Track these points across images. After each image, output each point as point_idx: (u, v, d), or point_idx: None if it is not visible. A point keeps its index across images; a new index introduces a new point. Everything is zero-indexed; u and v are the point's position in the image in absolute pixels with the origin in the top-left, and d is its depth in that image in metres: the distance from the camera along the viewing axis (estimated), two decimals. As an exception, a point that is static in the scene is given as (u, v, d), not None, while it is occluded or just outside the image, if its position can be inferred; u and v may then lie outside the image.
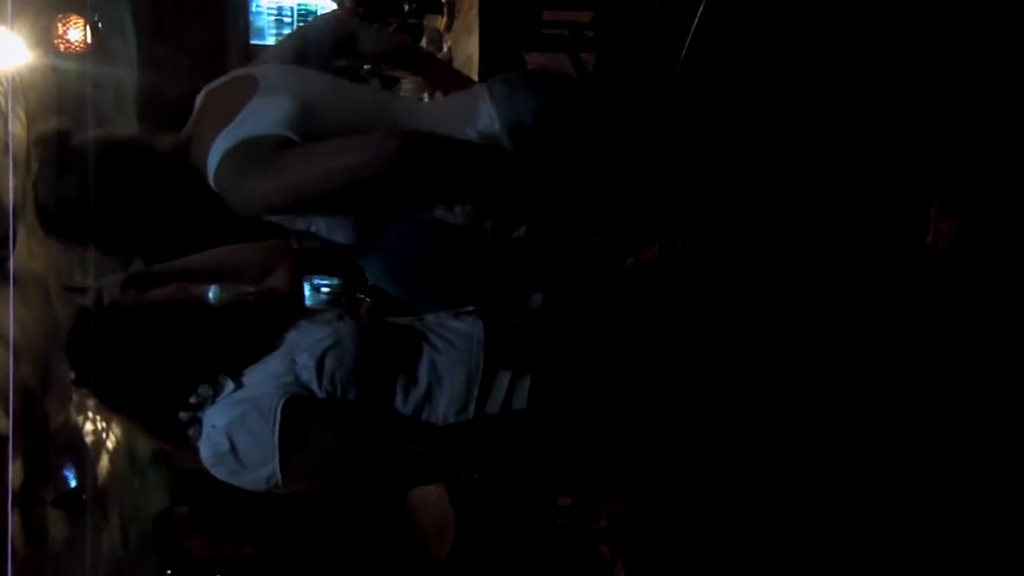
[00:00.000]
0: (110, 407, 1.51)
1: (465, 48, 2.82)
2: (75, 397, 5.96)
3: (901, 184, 1.84)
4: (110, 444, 6.88)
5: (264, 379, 1.40)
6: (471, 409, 1.43)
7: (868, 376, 1.92)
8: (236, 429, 1.35)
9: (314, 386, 1.39)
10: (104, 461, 6.71)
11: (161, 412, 1.45)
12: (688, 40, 1.92)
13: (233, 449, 1.35)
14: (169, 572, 7.66)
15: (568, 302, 1.60)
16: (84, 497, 5.59)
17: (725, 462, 2.56)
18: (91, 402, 1.57)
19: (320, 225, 1.60)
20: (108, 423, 6.61)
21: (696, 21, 1.90)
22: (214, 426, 1.37)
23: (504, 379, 1.44)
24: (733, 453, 2.49)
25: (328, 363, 1.40)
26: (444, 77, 2.04)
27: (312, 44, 1.73)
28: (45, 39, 4.01)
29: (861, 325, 1.90)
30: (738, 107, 1.88)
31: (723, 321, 1.75)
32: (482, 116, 1.61)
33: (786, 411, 1.99)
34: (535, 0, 2.85)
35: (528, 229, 1.63)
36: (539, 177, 1.57)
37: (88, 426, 6.40)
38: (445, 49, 3.36)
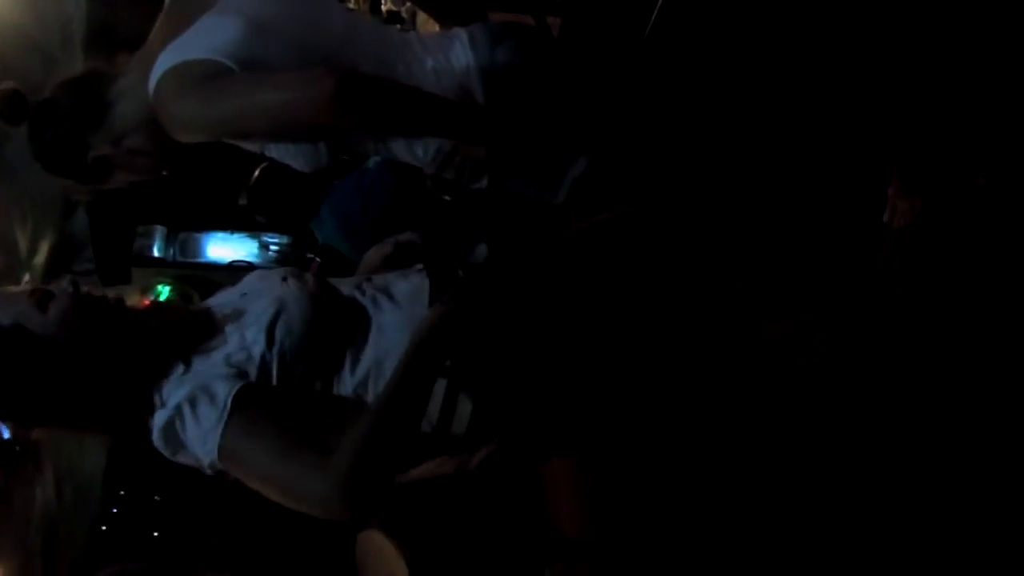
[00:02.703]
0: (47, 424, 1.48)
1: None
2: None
3: (860, 162, 1.84)
4: (46, 397, 6.74)
5: (216, 359, 1.39)
6: None
7: (816, 352, 1.94)
8: (184, 408, 1.34)
9: (267, 358, 1.38)
10: (40, 413, 6.57)
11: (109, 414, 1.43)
12: (657, 7, 1.90)
13: (181, 425, 1.35)
14: (104, 528, 7.54)
15: (512, 255, 1.61)
16: (18, 450, 5.47)
17: (670, 429, 2.58)
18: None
19: (271, 150, 1.55)
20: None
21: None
22: (164, 406, 1.36)
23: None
24: (680, 422, 2.50)
25: (277, 332, 1.39)
26: (437, 9, 1.98)
27: None
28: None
29: (812, 301, 1.91)
30: (702, 79, 1.86)
31: (672, 292, 1.75)
32: (455, 50, 1.57)
33: (735, 385, 2.01)
34: (503, -41, 2.81)
35: (490, 181, 1.60)
36: (506, 127, 1.53)
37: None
38: (409, 3, 3.29)
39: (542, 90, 1.58)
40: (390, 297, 1.51)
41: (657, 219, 1.85)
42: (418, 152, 1.57)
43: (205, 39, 1.44)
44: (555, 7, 2.68)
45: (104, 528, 8.89)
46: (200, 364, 1.39)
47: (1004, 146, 1.63)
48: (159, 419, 1.35)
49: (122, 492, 8.93)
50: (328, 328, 1.44)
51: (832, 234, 1.87)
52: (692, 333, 1.74)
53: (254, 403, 1.33)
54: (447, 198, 2.00)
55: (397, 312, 1.48)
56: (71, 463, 7.05)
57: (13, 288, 1.44)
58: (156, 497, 9.16)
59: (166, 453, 1.38)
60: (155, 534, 9.17)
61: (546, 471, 4.10)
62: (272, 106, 1.40)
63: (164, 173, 1.66)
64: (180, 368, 1.38)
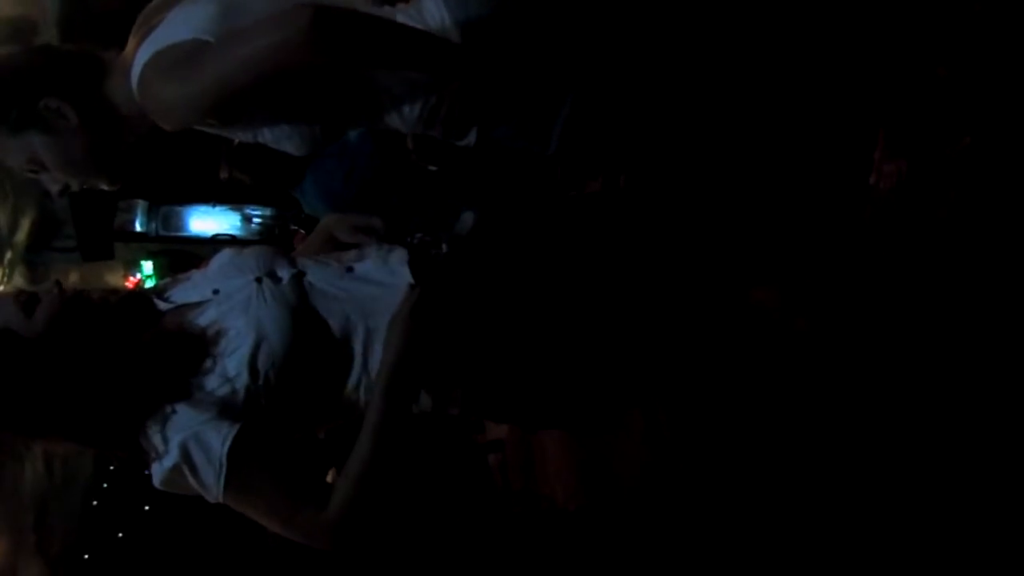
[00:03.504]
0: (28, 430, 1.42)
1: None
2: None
3: (845, 124, 1.84)
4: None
5: (202, 396, 1.38)
6: None
7: (803, 317, 1.94)
8: (184, 468, 1.34)
9: (253, 389, 1.38)
10: (26, 390, 6.55)
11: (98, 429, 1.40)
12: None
13: (184, 484, 1.36)
14: (95, 503, 7.55)
15: (499, 226, 1.61)
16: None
17: (657, 396, 2.60)
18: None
19: (266, 135, 1.53)
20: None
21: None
22: (160, 463, 1.35)
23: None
24: (667, 389, 2.52)
25: (260, 365, 1.39)
26: None
27: None
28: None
29: (799, 265, 1.92)
30: (687, 24, 1.84)
31: (657, 264, 1.75)
32: (427, 7, 1.54)
33: (723, 350, 2.01)
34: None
35: (478, 132, 1.58)
36: (488, 72, 1.51)
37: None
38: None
39: (522, 29, 1.55)
40: (372, 281, 1.50)
41: (645, 192, 1.84)
42: (405, 110, 1.55)
43: (180, 25, 1.42)
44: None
45: (95, 503, 8.92)
46: (187, 401, 1.37)
47: (988, 104, 1.63)
48: (159, 470, 1.36)
49: (112, 467, 8.96)
50: (312, 340, 1.43)
51: (818, 197, 1.86)
52: (681, 303, 1.74)
53: (248, 454, 1.34)
54: (432, 168, 1.98)
55: (382, 297, 1.47)
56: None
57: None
58: (147, 471, 9.14)
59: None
60: (147, 508, 9.20)
61: (536, 439, 4.14)
62: (252, 53, 1.34)
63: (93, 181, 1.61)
64: (169, 403, 1.37)
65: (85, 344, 1.35)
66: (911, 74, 1.74)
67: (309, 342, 1.43)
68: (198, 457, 1.33)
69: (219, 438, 1.33)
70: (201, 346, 1.41)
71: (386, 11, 1.61)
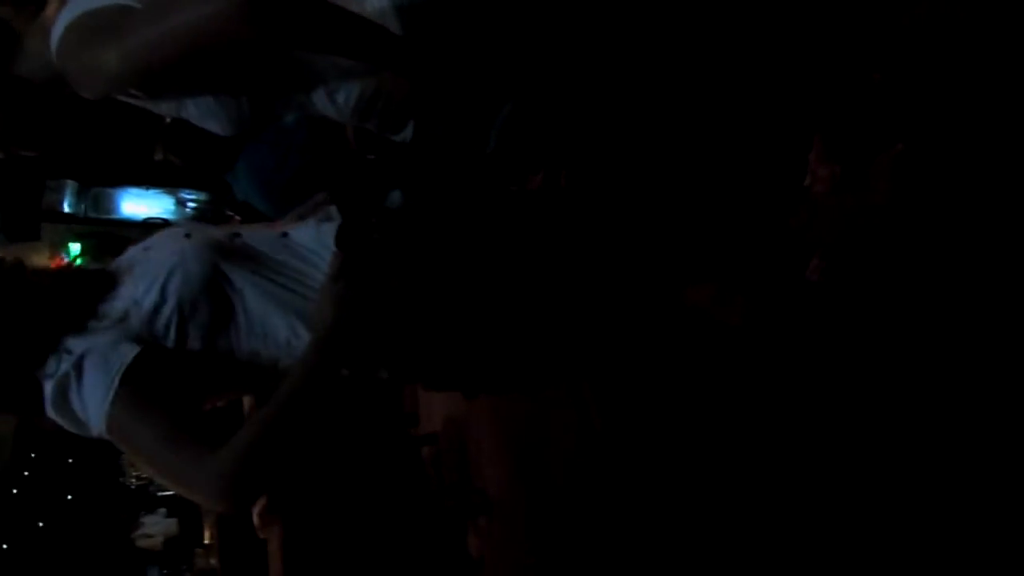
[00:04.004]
0: None
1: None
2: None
3: (781, 127, 1.86)
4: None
5: (108, 313, 1.35)
6: None
7: (735, 316, 1.96)
8: (72, 379, 1.30)
9: (161, 310, 1.35)
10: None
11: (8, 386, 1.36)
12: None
13: (64, 400, 1.31)
14: (15, 491, 7.33)
15: (429, 203, 1.60)
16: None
17: (592, 387, 2.61)
18: None
19: (190, 110, 1.48)
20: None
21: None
22: (51, 376, 1.31)
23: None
24: (601, 380, 2.53)
25: (171, 286, 1.36)
26: None
27: None
28: None
29: (731, 265, 1.93)
30: (625, 25, 1.84)
31: (592, 257, 1.75)
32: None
33: (648, 347, 2.03)
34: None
35: (415, 130, 1.56)
36: (427, 63, 1.49)
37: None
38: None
39: (461, 24, 1.53)
40: (299, 247, 1.50)
41: (584, 190, 1.84)
42: (339, 99, 1.51)
43: None
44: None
45: (15, 491, 8.65)
46: (93, 322, 1.34)
47: (922, 111, 1.66)
48: (49, 386, 1.31)
49: (33, 454, 8.71)
50: (227, 274, 1.41)
51: (752, 199, 1.88)
52: (611, 288, 1.75)
53: (144, 376, 1.29)
54: (370, 157, 1.95)
55: (317, 274, 1.46)
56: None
57: None
58: (69, 460, 8.95)
59: (59, 420, 1.34)
60: (68, 497, 8.95)
61: (468, 429, 4.13)
62: (184, 22, 1.28)
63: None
64: (74, 328, 1.33)
65: None
66: (847, 79, 1.77)
67: (227, 287, 1.41)
68: (90, 373, 1.29)
69: (117, 356, 1.29)
70: (108, 279, 1.39)
71: None
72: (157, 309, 1.35)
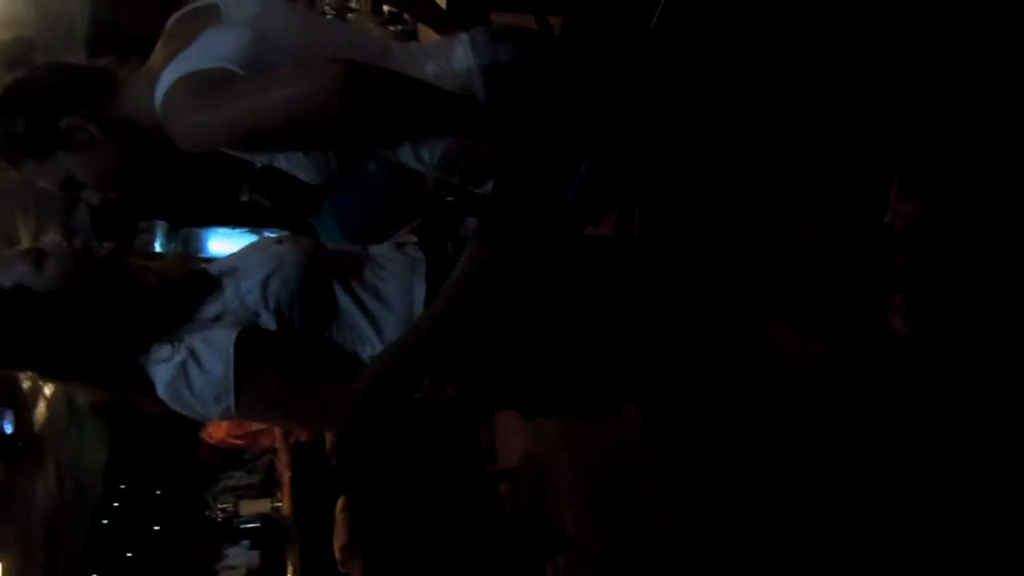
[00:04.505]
0: (54, 375, 1.50)
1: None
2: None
3: (862, 164, 1.85)
4: (47, 391, 6.76)
5: (211, 311, 1.43)
6: None
7: (816, 354, 1.94)
8: (189, 366, 1.37)
9: (260, 309, 1.42)
10: (41, 408, 6.60)
11: (114, 368, 1.44)
12: (660, 6, 1.90)
13: (188, 386, 1.38)
14: (105, 522, 7.56)
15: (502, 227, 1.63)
16: (20, 444, 5.49)
17: (672, 426, 2.59)
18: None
19: (281, 161, 1.55)
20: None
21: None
22: (167, 362, 1.39)
23: None
24: (681, 420, 2.51)
25: (272, 284, 1.43)
26: (434, 17, 1.97)
27: None
28: (-7, -31, 3.86)
29: (814, 303, 1.91)
30: (704, 79, 1.86)
31: (666, 295, 1.76)
32: (456, 53, 1.57)
33: (730, 388, 2.01)
34: (505, -42, 2.80)
35: (496, 184, 1.60)
36: (509, 128, 1.53)
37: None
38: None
39: (545, 88, 1.58)
40: (386, 266, 1.55)
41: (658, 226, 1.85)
42: (424, 156, 1.57)
43: (212, 49, 1.44)
44: (557, 6, 2.68)
45: (105, 522, 8.93)
46: (197, 317, 1.43)
47: (1004, 149, 1.63)
48: (165, 373, 1.39)
49: (123, 486, 8.99)
50: (324, 280, 1.48)
51: (832, 236, 1.87)
52: (694, 333, 1.75)
53: (257, 345, 1.39)
54: (449, 199, 2.00)
55: (394, 279, 1.53)
56: (72, 457, 7.06)
57: (6, 252, 1.46)
58: (157, 492, 9.20)
59: (174, 407, 1.42)
60: (155, 528, 9.20)
61: (546, 467, 4.12)
62: (282, 99, 1.38)
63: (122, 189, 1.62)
64: (179, 323, 1.42)
65: (95, 294, 1.40)
66: (927, 115, 1.75)
67: (321, 277, 1.48)
68: (204, 354, 1.38)
69: (225, 335, 1.38)
70: (210, 281, 1.48)
71: (413, 48, 1.65)
72: (258, 306, 1.43)
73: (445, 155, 1.56)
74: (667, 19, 1.90)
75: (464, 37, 1.60)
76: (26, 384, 6.06)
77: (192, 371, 1.37)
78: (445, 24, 1.86)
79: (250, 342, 1.38)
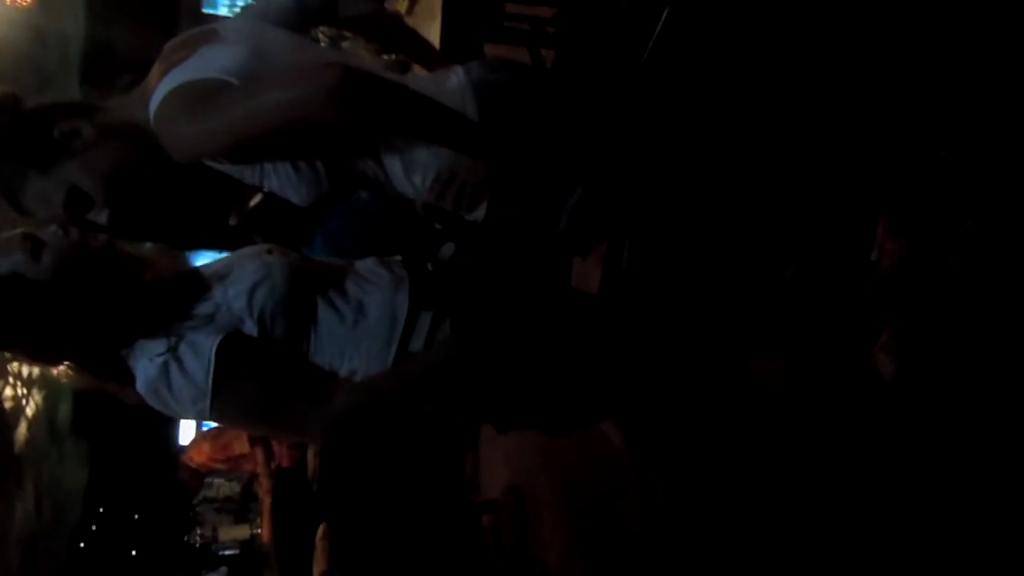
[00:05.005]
0: (42, 358, 1.52)
1: (426, 33, 2.79)
2: (-5, 362, 5.79)
3: (848, 201, 1.86)
4: (29, 412, 6.70)
5: (197, 313, 1.44)
6: (393, 347, 1.51)
7: (800, 389, 1.95)
8: (171, 366, 1.39)
9: (245, 316, 1.43)
10: (22, 429, 6.53)
11: (100, 356, 1.47)
12: (651, 41, 1.92)
13: (168, 385, 1.40)
14: (82, 545, 7.42)
15: (474, 254, 1.71)
16: (-1, 464, 5.41)
17: (655, 458, 2.59)
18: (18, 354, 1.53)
19: (272, 181, 1.55)
20: (29, 389, 6.43)
21: (661, 24, 1.90)
22: (150, 360, 1.41)
23: (425, 320, 1.52)
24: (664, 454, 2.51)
25: (259, 292, 1.44)
26: (428, 57, 1.99)
27: (300, 3, 1.67)
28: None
29: (799, 338, 1.92)
30: (695, 114, 1.88)
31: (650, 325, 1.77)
32: (450, 79, 1.58)
33: (713, 420, 2.01)
34: (499, -8, 2.84)
35: (488, 208, 1.61)
36: (501, 152, 1.54)
37: (7, 391, 6.22)
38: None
39: (536, 113, 1.60)
40: (370, 280, 1.57)
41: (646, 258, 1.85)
42: (416, 180, 1.58)
43: (207, 62, 1.45)
44: (548, 40, 2.71)
45: (82, 545, 8.80)
46: (184, 320, 1.43)
47: (992, 189, 1.65)
48: (147, 373, 1.41)
49: (102, 509, 8.87)
50: (309, 293, 1.50)
51: (818, 273, 1.88)
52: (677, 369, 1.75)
53: (238, 352, 1.41)
54: (437, 227, 2.00)
55: (378, 293, 1.54)
56: (52, 479, 6.97)
57: (5, 235, 1.46)
58: (136, 516, 9.09)
59: (153, 404, 1.44)
60: (133, 553, 9.06)
61: (529, 498, 4.11)
62: (278, 103, 1.39)
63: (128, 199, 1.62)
64: (166, 324, 1.43)
65: (88, 285, 1.41)
66: (914, 154, 1.77)
67: (307, 289, 1.49)
68: (187, 356, 1.39)
69: (208, 340, 1.39)
70: (201, 283, 1.49)
71: (408, 77, 1.66)
72: (243, 313, 1.44)
73: (437, 179, 1.57)
74: (659, 53, 1.93)
75: (458, 67, 1.62)
76: (8, 404, 6.00)
77: (173, 371, 1.40)
78: (437, 63, 1.88)
79: (232, 348, 1.40)
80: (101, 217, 1.55)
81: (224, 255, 1.69)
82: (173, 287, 1.50)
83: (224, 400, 1.40)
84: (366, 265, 1.62)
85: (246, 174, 1.55)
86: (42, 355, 1.50)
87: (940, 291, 1.67)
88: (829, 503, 1.91)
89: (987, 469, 1.64)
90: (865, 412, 1.81)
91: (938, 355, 1.69)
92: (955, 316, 1.66)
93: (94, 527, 8.87)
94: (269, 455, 5.46)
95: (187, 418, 1.50)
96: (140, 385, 1.43)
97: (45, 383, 6.72)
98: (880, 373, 1.71)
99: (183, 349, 1.40)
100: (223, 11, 8.43)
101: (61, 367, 1.51)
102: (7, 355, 1.52)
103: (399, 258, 1.63)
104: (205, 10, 8.26)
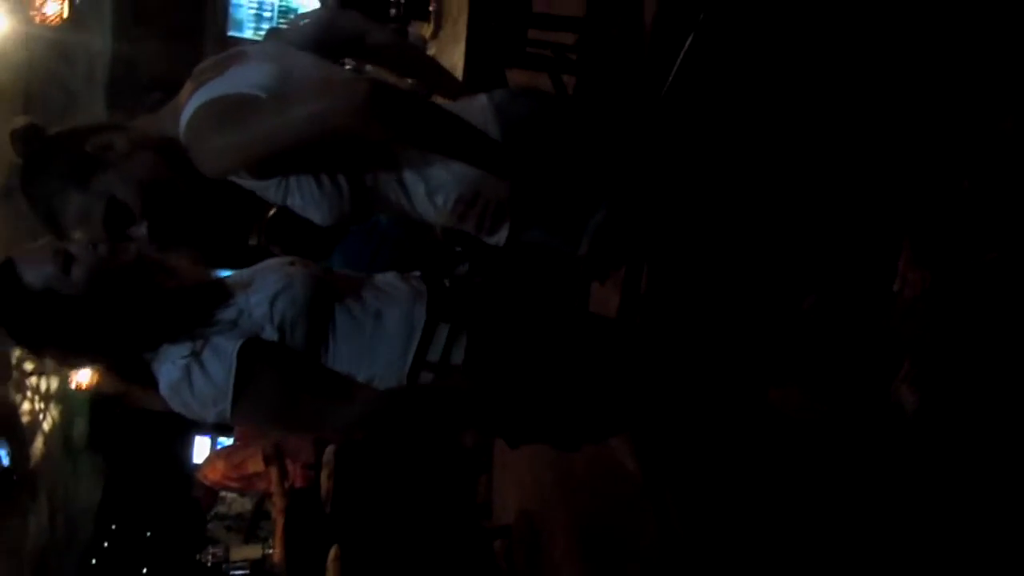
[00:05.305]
0: (71, 361, 1.61)
1: (450, 57, 2.82)
2: (14, 375, 5.83)
3: (871, 231, 1.86)
4: (46, 427, 6.74)
5: (221, 319, 1.48)
6: (409, 357, 1.54)
7: (819, 418, 1.93)
8: (193, 368, 1.44)
9: (265, 323, 1.47)
10: (38, 443, 6.57)
11: (126, 360, 1.53)
12: (675, 69, 1.93)
13: (189, 386, 1.45)
14: (93, 561, 7.41)
15: (490, 274, 1.75)
16: (15, 478, 5.45)
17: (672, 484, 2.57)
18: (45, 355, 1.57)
19: (296, 199, 1.56)
20: (47, 404, 6.47)
21: (685, 50, 1.91)
22: (172, 363, 1.46)
23: (443, 333, 1.55)
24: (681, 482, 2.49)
25: (280, 302, 1.48)
26: (450, 87, 2.01)
27: (328, 32, 1.69)
28: (20, 9, 3.95)
29: (818, 368, 1.91)
30: (717, 141, 1.89)
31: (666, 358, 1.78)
32: (473, 103, 1.59)
33: (728, 446, 2.00)
34: (522, 18, 2.86)
35: (510, 230, 1.62)
36: (524, 172, 1.55)
37: (25, 406, 6.26)
38: (428, 57, 3.34)
39: (558, 136, 1.62)
40: (389, 293, 1.60)
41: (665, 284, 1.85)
42: (438, 201, 1.59)
43: (237, 79, 1.47)
44: (570, 66, 2.73)
45: (94, 561, 8.82)
46: (207, 325, 1.48)
47: (1016, 221, 1.64)
48: (169, 375, 1.46)
49: (114, 526, 8.90)
50: (328, 303, 1.53)
51: (840, 303, 1.87)
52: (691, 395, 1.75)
53: (258, 355, 1.45)
54: (457, 249, 2.01)
55: (396, 306, 1.57)
56: (66, 495, 7.00)
57: (34, 246, 1.50)
58: (148, 533, 9.10)
59: (174, 406, 1.50)
60: (143, 571, 9.07)
61: (543, 523, 4.08)
62: (308, 115, 1.41)
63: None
64: (190, 329, 1.47)
65: (117, 297, 1.45)
66: (937, 185, 1.76)
67: (327, 300, 1.53)
68: (209, 360, 1.44)
69: (230, 344, 1.44)
70: (224, 291, 1.53)
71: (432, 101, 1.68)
72: (263, 320, 1.48)
73: (460, 200, 1.58)
74: (682, 79, 1.94)
75: (483, 97, 1.64)
76: (25, 418, 6.04)
77: (195, 373, 1.44)
78: (460, 95, 1.90)
79: (253, 352, 1.45)
80: (141, 230, 1.56)
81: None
82: (197, 294, 1.52)
83: (245, 402, 1.45)
84: (385, 278, 1.64)
85: (270, 191, 1.57)
86: (71, 358, 1.56)
87: (963, 322, 1.65)
88: (847, 534, 1.89)
89: (1010, 503, 1.62)
90: (885, 443, 1.79)
91: (960, 387, 1.67)
92: (978, 348, 1.64)
93: (106, 543, 8.89)
94: (283, 474, 5.46)
95: (207, 419, 1.52)
96: (163, 387, 1.48)
97: (63, 398, 6.76)
98: (901, 404, 1.69)
99: (206, 353, 1.45)
100: (248, 34, 8.54)
101: (88, 370, 1.56)
102: (29, 366, 1.56)
103: (417, 273, 1.66)
104: (230, 33, 8.37)
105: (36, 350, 1.51)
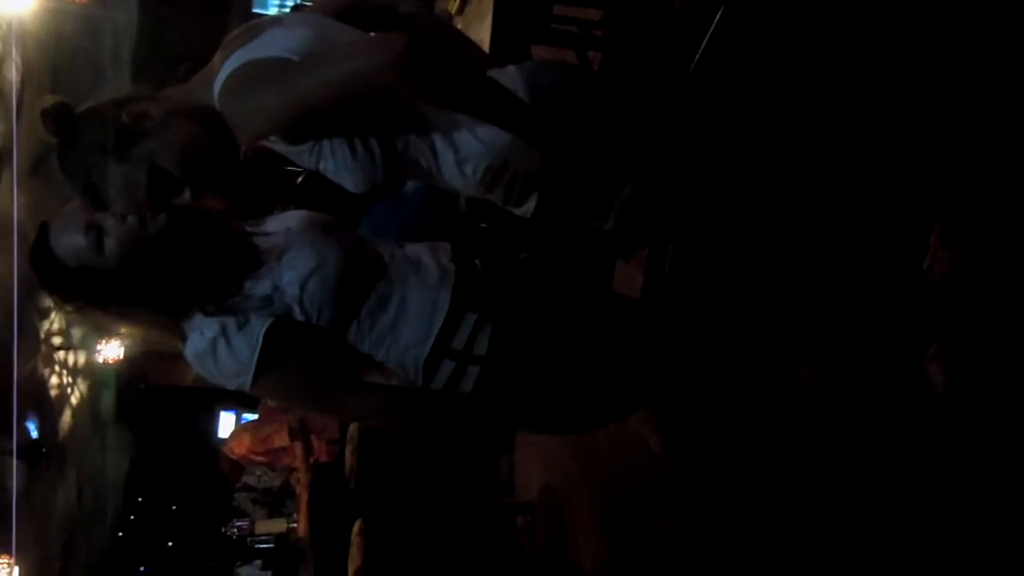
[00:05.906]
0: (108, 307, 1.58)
1: (476, 33, 2.80)
2: (43, 349, 5.90)
3: (903, 208, 1.84)
4: (74, 400, 6.82)
5: (252, 292, 1.50)
6: (428, 344, 1.55)
7: (846, 396, 1.92)
8: (219, 342, 1.48)
9: (294, 304, 1.49)
10: (66, 416, 6.65)
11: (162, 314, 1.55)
12: (703, 45, 1.91)
13: (214, 358, 1.49)
14: (120, 534, 7.55)
15: (522, 258, 1.70)
16: (44, 450, 5.52)
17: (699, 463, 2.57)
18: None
19: (328, 164, 1.57)
20: (75, 378, 6.54)
21: (712, 27, 1.89)
22: (200, 334, 1.49)
23: (470, 320, 1.55)
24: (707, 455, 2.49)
25: (311, 283, 1.49)
26: (480, 62, 2.00)
27: (359, 1, 1.68)
28: (48, -14, 3.97)
29: (845, 344, 1.90)
30: (747, 118, 1.87)
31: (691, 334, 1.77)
32: (505, 78, 1.59)
33: (752, 422, 2.00)
34: (548, -6, 2.84)
35: (539, 200, 1.61)
36: (555, 138, 1.55)
37: (53, 379, 6.34)
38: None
39: (588, 106, 1.61)
40: (417, 271, 1.59)
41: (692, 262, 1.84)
42: (467, 170, 1.59)
43: (271, 42, 1.47)
44: (596, 43, 2.71)
45: (121, 534, 8.95)
46: (237, 294, 1.50)
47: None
48: (196, 346, 1.50)
49: (141, 499, 9.01)
50: (358, 286, 1.54)
51: (869, 278, 1.86)
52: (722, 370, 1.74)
53: (284, 336, 1.48)
54: (483, 225, 2.01)
55: (423, 288, 1.57)
56: (94, 468, 7.09)
57: (67, 210, 1.53)
58: (174, 507, 9.21)
59: (196, 370, 1.54)
60: (170, 544, 9.19)
61: (565, 500, 4.09)
62: (343, 72, 1.41)
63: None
64: (221, 293, 1.50)
65: (146, 272, 1.49)
66: (970, 163, 1.74)
67: (357, 280, 1.54)
68: (235, 336, 1.47)
69: (259, 322, 1.47)
70: (256, 256, 1.54)
71: None
72: (293, 301, 1.50)
73: (488, 170, 1.58)
74: (712, 55, 1.92)
75: (512, 68, 1.63)
76: (54, 392, 6.12)
77: (220, 348, 1.48)
78: (488, 67, 1.89)
79: (279, 334, 1.48)
80: (185, 196, 1.56)
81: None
82: (233, 250, 1.55)
83: (267, 379, 1.49)
84: (415, 251, 1.64)
85: (304, 156, 1.57)
86: (112, 315, 1.58)
87: (993, 301, 1.64)
88: (871, 513, 1.88)
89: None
90: (913, 422, 1.78)
91: (990, 366, 1.66)
92: (1008, 327, 1.63)
93: (132, 517, 9.02)
94: (308, 449, 5.51)
95: (228, 387, 1.56)
96: (188, 354, 1.52)
97: (91, 372, 6.84)
98: (930, 383, 1.68)
99: (232, 328, 1.47)
100: (273, 11, 8.54)
101: (117, 340, 1.58)
102: (57, 340, 1.58)
103: (448, 246, 1.65)
104: (255, 10, 8.37)
105: (77, 308, 1.55)
